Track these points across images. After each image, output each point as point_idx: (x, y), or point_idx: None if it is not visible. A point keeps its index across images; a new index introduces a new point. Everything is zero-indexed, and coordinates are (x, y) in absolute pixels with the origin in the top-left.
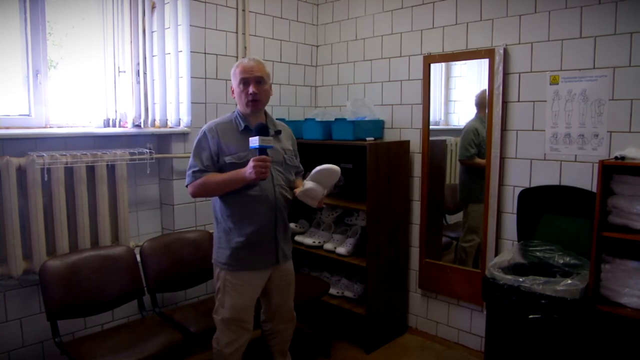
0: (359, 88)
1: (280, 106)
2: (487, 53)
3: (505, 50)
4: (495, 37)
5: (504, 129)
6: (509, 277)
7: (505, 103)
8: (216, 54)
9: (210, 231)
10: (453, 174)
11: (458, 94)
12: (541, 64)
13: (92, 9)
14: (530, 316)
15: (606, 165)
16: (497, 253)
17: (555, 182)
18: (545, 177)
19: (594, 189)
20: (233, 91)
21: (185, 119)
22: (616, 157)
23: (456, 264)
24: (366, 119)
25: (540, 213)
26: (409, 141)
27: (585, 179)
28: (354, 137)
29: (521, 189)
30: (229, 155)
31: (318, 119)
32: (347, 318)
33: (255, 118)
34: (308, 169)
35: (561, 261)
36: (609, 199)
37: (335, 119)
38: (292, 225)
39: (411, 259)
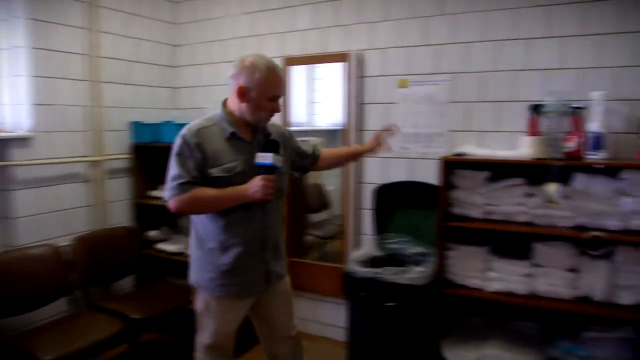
0: (222, 90)
1: (138, 108)
2: (343, 57)
3: (359, 55)
4: (351, 42)
5: (360, 129)
6: (366, 269)
7: (360, 105)
8: (63, 52)
9: (62, 244)
10: (317, 173)
11: (321, 96)
12: (392, 68)
13: None
14: (386, 304)
15: (447, 161)
16: (358, 248)
17: (406, 178)
18: (398, 174)
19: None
20: (244, 94)
21: (27, 122)
22: (456, 154)
23: (323, 262)
24: None
25: (394, 208)
26: None
27: (432, 174)
28: None
29: (376, 185)
30: (215, 167)
31: (177, 122)
32: None
33: (246, 126)
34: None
35: (412, 251)
36: (450, 191)
37: None
38: (152, 232)
39: None
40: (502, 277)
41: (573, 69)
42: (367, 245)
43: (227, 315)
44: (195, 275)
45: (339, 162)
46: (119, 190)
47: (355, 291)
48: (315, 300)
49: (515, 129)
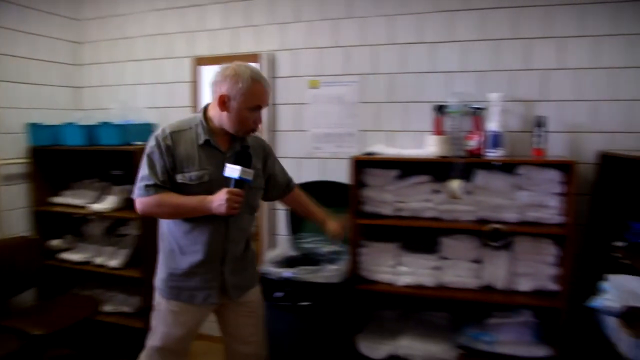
0: (127, 90)
1: (36, 109)
2: (253, 57)
3: (271, 55)
4: (262, 42)
5: (272, 130)
6: (281, 270)
7: (273, 105)
8: None
9: None
10: None
11: None
12: (304, 69)
13: None
14: (301, 303)
15: (358, 161)
16: (272, 249)
17: (320, 178)
18: (311, 173)
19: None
20: (225, 102)
21: None
22: (366, 153)
23: None
24: (134, 122)
25: None
26: None
27: (344, 173)
28: (123, 142)
29: None
30: (180, 174)
31: (80, 123)
32: (126, 335)
33: (224, 135)
34: (70, 178)
35: (327, 250)
36: (361, 190)
37: (100, 123)
38: (55, 242)
39: None
40: (412, 271)
41: (473, 71)
42: (281, 245)
43: (176, 317)
44: (156, 275)
45: (301, 213)
46: (16, 198)
47: (271, 292)
48: None
49: (421, 128)
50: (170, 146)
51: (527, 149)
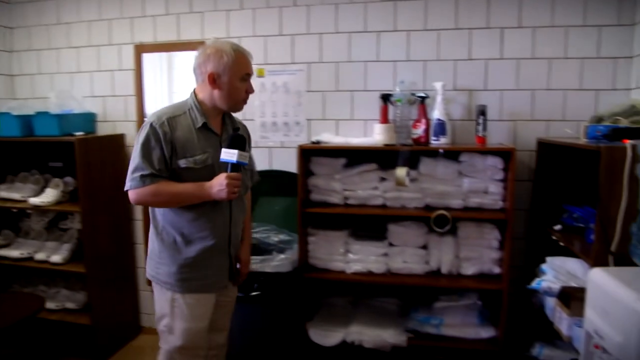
0: (65, 78)
1: None
2: (198, 45)
3: None
4: (205, 30)
5: None
6: None
7: None
8: None
9: None
10: None
11: (182, 86)
12: None
13: None
14: (251, 294)
15: (304, 149)
16: None
17: (267, 167)
18: (258, 163)
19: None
20: (215, 80)
21: None
22: (312, 142)
23: None
24: (74, 112)
25: (256, 197)
26: (124, 134)
27: (292, 162)
28: (61, 133)
29: None
30: (184, 159)
31: (15, 113)
32: (71, 331)
33: (216, 116)
34: (6, 171)
35: (276, 239)
36: (309, 178)
37: (37, 113)
38: None
39: (137, 256)
40: (361, 258)
41: (418, 60)
42: None
43: (195, 311)
44: (152, 269)
45: None
46: None
47: None
48: None
49: (368, 117)
50: (168, 132)
51: (471, 136)
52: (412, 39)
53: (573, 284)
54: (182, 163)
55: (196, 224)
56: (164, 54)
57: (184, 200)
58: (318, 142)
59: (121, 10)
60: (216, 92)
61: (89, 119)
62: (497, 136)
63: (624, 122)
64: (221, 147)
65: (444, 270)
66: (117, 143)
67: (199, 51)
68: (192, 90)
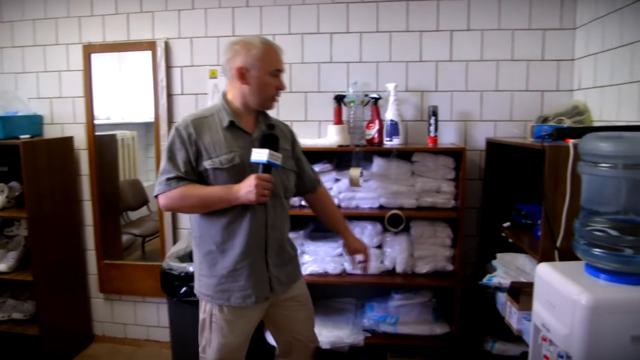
0: (9, 79)
1: None
2: (149, 45)
3: (166, 44)
4: (156, 30)
5: (171, 121)
6: (184, 264)
7: (170, 96)
8: None
9: None
10: (131, 169)
11: (133, 87)
12: (201, 59)
13: None
14: None
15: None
16: (175, 243)
17: None
18: None
19: None
20: (244, 75)
21: None
22: None
23: (143, 261)
24: (19, 114)
25: None
26: (72, 137)
27: None
28: (5, 136)
29: None
30: (209, 160)
31: None
32: (19, 343)
33: (247, 115)
34: None
35: None
36: None
37: None
38: None
39: (88, 263)
40: (317, 259)
41: (371, 62)
42: (185, 239)
43: (232, 325)
44: (196, 283)
45: (324, 218)
46: None
47: (175, 288)
48: (139, 303)
49: (322, 118)
50: (192, 134)
51: (423, 137)
52: (365, 41)
53: (522, 279)
54: (208, 164)
55: (228, 231)
56: (114, 54)
57: (213, 204)
58: None
59: (68, 9)
60: (245, 88)
61: (35, 121)
62: (448, 136)
63: (567, 122)
64: (253, 147)
65: (399, 269)
66: (65, 146)
67: (226, 47)
68: (223, 92)
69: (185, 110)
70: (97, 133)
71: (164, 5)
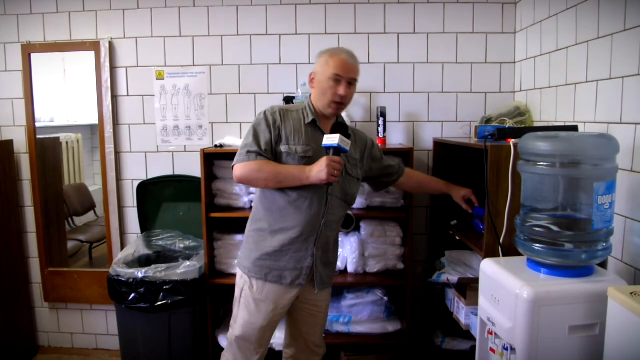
0: None
1: None
2: (92, 45)
3: (110, 44)
4: (100, 29)
5: (116, 123)
6: (133, 270)
7: (114, 97)
8: None
9: None
10: (76, 172)
11: (79, 88)
12: (147, 59)
13: None
14: (157, 303)
15: (207, 153)
16: (123, 248)
17: (170, 172)
18: (161, 168)
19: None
20: (313, 79)
21: None
22: (215, 145)
23: (89, 268)
24: None
25: (159, 203)
26: (12, 140)
27: (195, 167)
28: None
29: (138, 181)
30: (286, 145)
31: None
32: None
33: (326, 119)
34: None
35: (182, 245)
36: (213, 183)
37: None
38: None
39: (31, 271)
40: None
41: None
42: (133, 245)
43: (262, 304)
44: (240, 254)
45: (421, 188)
46: None
47: (123, 295)
48: (86, 311)
49: None
50: (278, 120)
51: (372, 137)
52: (313, 42)
53: (470, 275)
54: (284, 148)
55: (284, 213)
56: (57, 55)
57: (285, 180)
58: (221, 146)
59: (4, 7)
60: (313, 92)
61: None
62: (396, 137)
63: (509, 123)
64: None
65: (351, 269)
66: (5, 150)
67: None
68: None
69: (131, 112)
70: (39, 136)
71: (107, 5)
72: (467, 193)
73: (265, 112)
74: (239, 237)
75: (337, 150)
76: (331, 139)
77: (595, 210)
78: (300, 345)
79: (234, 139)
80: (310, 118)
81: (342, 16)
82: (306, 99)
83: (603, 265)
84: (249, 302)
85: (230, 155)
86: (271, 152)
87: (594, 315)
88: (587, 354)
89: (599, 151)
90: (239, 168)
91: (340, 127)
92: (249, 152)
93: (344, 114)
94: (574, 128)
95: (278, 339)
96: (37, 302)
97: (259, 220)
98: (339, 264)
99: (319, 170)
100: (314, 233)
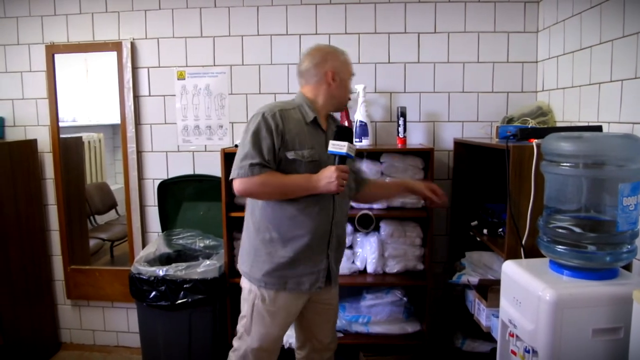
0: None
1: None
2: (114, 46)
3: (132, 44)
4: (122, 30)
5: (138, 123)
6: (154, 268)
7: (136, 97)
8: None
9: None
10: (98, 172)
11: (101, 88)
12: (168, 60)
13: None
14: (177, 302)
15: (227, 153)
16: (144, 247)
17: (190, 172)
18: (181, 167)
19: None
20: (334, 78)
21: None
22: (236, 145)
23: (111, 266)
24: None
25: (180, 202)
26: (36, 140)
27: (215, 166)
28: None
29: (159, 181)
30: (292, 151)
31: None
32: None
33: (323, 116)
34: None
35: (202, 244)
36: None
37: None
38: None
39: (54, 268)
40: None
41: None
42: (154, 243)
43: (276, 315)
44: (248, 266)
45: (382, 195)
46: None
47: (144, 292)
48: (108, 309)
49: None
50: (280, 124)
51: (392, 138)
52: (333, 42)
53: (490, 277)
54: (290, 155)
55: (295, 221)
56: (80, 55)
57: (291, 192)
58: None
59: (29, 8)
60: (333, 90)
61: None
62: (416, 137)
63: (531, 123)
64: (326, 143)
65: (370, 269)
66: (29, 149)
67: (309, 53)
68: (299, 91)
69: (152, 112)
70: (62, 135)
71: (129, 5)
72: (429, 184)
73: (264, 115)
74: None
75: (343, 157)
76: (339, 147)
77: (620, 212)
78: (313, 344)
79: None
80: (312, 117)
81: (362, 16)
82: (299, 96)
83: (628, 267)
84: (263, 316)
85: None
86: (274, 160)
87: (618, 319)
88: (610, 358)
89: (623, 152)
90: (241, 183)
91: (345, 132)
92: (251, 165)
93: (364, 113)
94: (598, 128)
95: (286, 336)
96: (59, 299)
97: (266, 230)
98: (358, 264)
99: (328, 182)
100: (325, 235)
